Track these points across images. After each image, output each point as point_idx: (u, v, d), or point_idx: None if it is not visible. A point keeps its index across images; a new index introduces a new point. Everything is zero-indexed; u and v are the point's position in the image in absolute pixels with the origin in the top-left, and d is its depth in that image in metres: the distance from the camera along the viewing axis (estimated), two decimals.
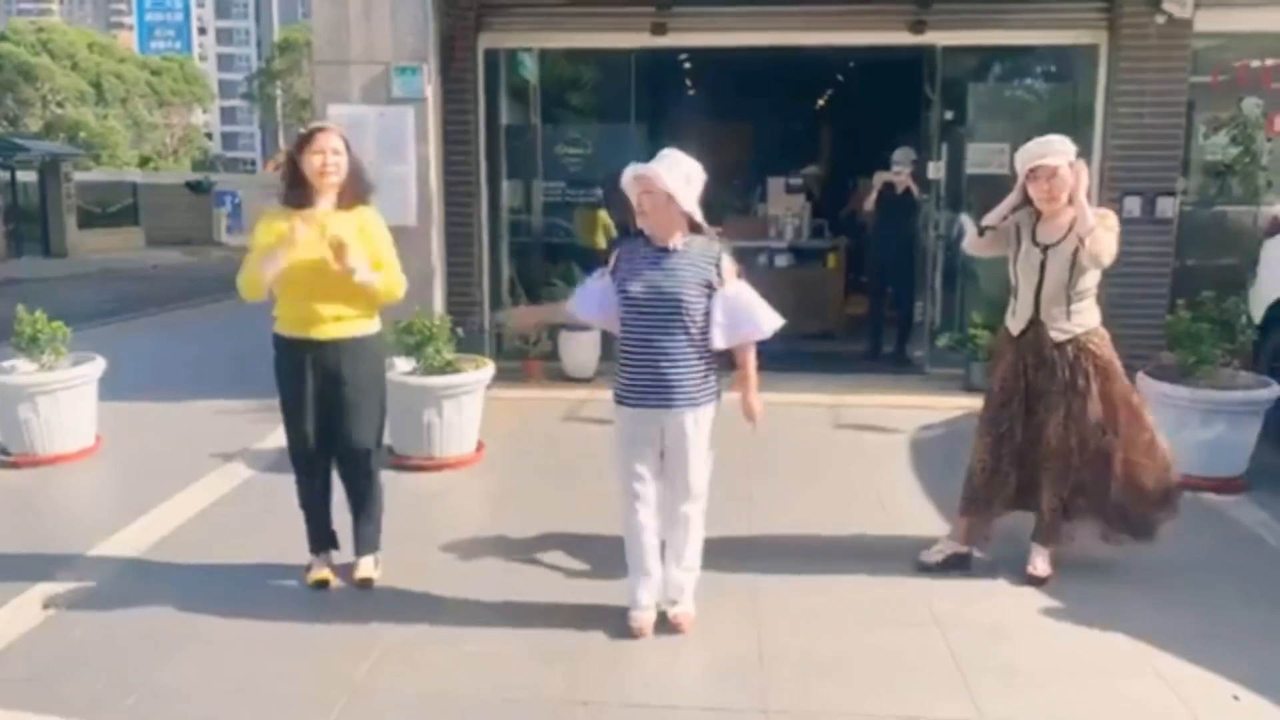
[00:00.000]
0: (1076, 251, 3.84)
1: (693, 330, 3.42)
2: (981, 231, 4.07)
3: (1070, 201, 3.86)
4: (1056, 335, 3.95)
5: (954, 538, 4.22)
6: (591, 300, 3.60)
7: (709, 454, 3.58)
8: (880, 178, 8.72)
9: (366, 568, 4.03)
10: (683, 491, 3.56)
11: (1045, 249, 3.92)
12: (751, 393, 3.56)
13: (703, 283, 3.41)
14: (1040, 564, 4.06)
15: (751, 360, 3.55)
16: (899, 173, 8.56)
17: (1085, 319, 3.97)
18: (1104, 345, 3.99)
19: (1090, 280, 3.93)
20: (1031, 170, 3.89)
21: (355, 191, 3.84)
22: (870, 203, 8.78)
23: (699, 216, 3.47)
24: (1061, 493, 4.02)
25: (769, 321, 3.48)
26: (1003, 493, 4.12)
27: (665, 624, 3.62)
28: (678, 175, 3.39)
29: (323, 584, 3.99)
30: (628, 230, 3.63)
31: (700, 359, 3.46)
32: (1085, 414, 3.94)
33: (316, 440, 3.93)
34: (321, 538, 4.09)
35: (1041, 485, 4.06)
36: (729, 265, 3.46)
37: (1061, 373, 3.94)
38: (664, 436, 3.51)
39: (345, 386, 3.85)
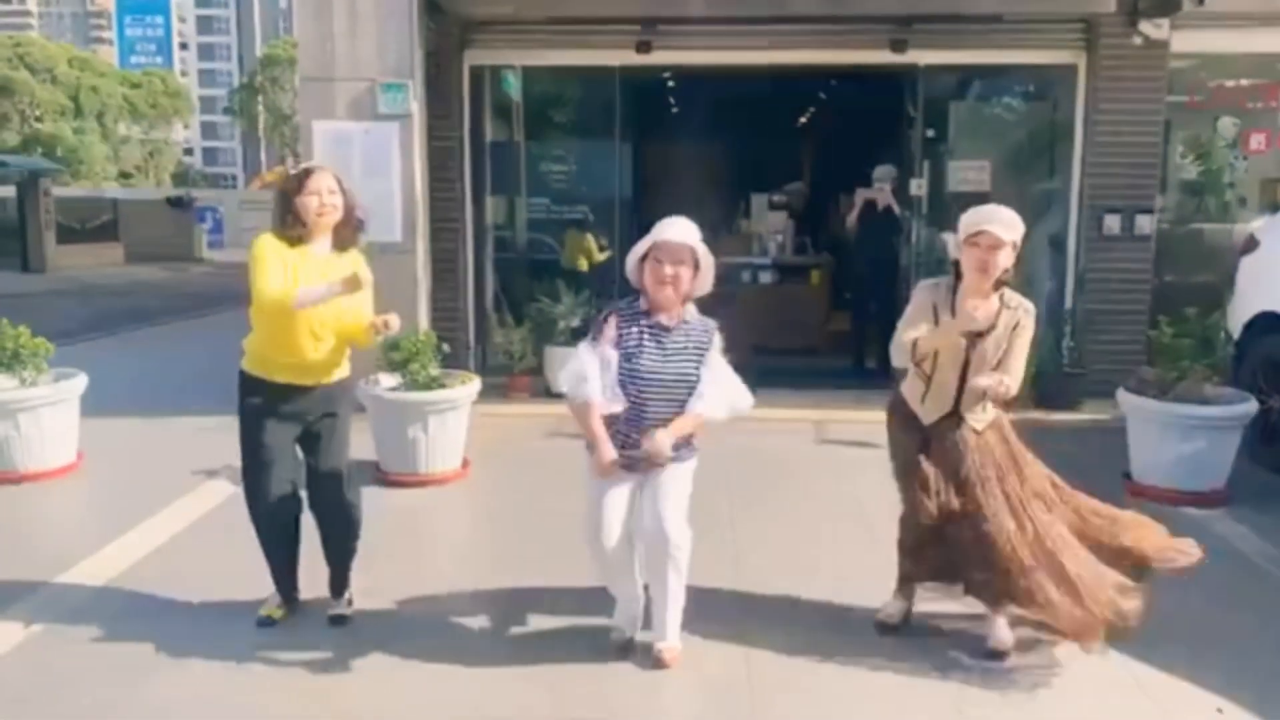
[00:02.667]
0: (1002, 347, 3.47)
1: (686, 401, 3.36)
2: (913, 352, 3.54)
3: (998, 286, 3.47)
4: (977, 425, 3.56)
5: (903, 595, 3.86)
6: (595, 381, 3.33)
7: (684, 500, 3.44)
8: (861, 194, 8.79)
9: (340, 606, 3.89)
10: (656, 533, 3.39)
11: (973, 338, 3.46)
12: (672, 431, 3.30)
13: (699, 358, 3.37)
14: (1002, 634, 3.63)
15: (698, 419, 3.36)
16: (880, 189, 8.64)
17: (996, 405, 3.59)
18: (1008, 428, 3.64)
19: None
20: (973, 235, 3.43)
21: (349, 233, 3.75)
22: (852, 220, 8.84)
23: (708, 288, 3.41)
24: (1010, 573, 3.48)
25: (744, 399, 3.42)
26: (929, 565, 3.72)
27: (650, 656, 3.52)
28: (704, 248, 3.33)
29: (269, 621, 3.83)
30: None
31: None
32: (1019, 495, 3.53)
33: (292, 491, 3.77)
34: (288, 585, 3.93)
35: (973, 563, 3.56)
36: (719, 341, 3.42)
37: (985, 461, 3.52)
38: (642, 487, 3.43)
39: (328, 432, 3.74)
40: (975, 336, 3.46)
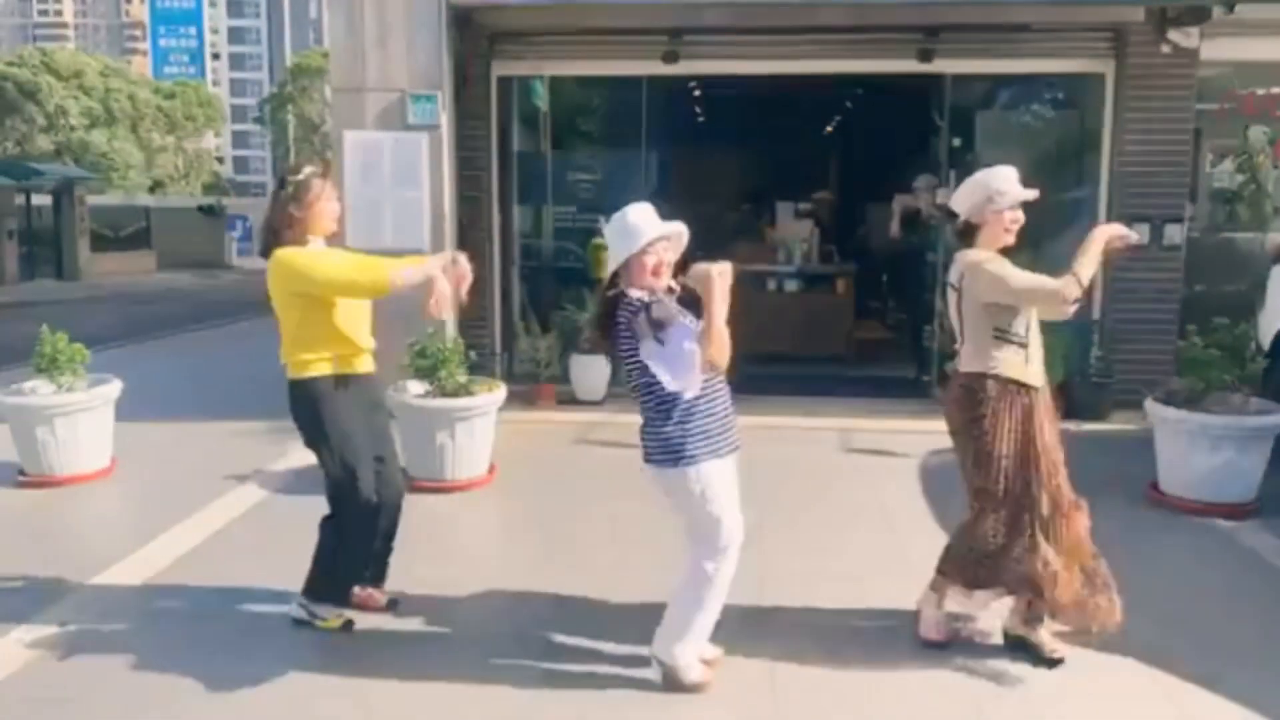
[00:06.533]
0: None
1: None
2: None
3: None
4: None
5: (938, 604, 3.76)
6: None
7: None
8: (900, 201, 8.76)
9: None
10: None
11: None
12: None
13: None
14: (1052, 641, 3.61)
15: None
16: (919, 196, 8.59)
17: None
18: None
19: None
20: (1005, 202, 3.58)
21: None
22: (895, 229, 8.80)
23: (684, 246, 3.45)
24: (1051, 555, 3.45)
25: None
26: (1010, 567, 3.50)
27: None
28: (667, 227, 3.34)
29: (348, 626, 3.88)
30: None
31: None
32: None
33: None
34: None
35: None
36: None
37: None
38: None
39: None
40: None
